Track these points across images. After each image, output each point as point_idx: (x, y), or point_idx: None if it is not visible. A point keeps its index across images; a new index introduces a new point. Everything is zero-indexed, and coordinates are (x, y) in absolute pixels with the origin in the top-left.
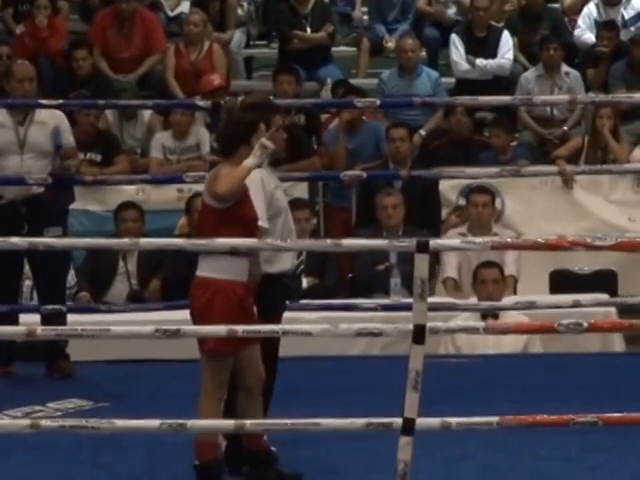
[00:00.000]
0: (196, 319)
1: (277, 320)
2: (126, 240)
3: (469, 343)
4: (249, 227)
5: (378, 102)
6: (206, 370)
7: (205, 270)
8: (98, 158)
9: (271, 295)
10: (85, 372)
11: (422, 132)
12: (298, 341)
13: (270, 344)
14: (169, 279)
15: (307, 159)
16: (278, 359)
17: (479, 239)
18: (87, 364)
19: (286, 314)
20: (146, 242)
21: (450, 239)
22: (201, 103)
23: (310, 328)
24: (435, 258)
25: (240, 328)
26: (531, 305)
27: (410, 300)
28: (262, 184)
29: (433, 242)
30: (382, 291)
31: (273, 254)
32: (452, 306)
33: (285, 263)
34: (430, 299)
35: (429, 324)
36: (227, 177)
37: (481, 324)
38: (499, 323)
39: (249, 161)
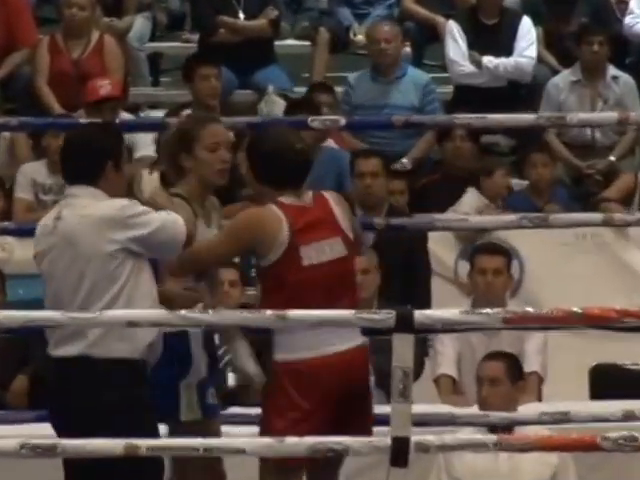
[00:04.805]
0: None
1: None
2: None
3: (472, 473)
4: None
5: (343, 121)
6: None
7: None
8: None
9: None
10: None
11: (404, 161)
12: (228, 465)
13: None
14: (39, 375)
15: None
16: None
17: (486, 310)
18: None
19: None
20: (5, 317)
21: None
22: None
23: (243, 443)
24: (423, 347)
25: (145, 444)
26: (563, 417)
27: (388, 408)
28: None
29: (419, 314)
30: None
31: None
32: (449, 419)
33: None
34: (416, 407)
35: (415, 437)
36: None
37: (491, 438)
38: (516, 437)
39: None
